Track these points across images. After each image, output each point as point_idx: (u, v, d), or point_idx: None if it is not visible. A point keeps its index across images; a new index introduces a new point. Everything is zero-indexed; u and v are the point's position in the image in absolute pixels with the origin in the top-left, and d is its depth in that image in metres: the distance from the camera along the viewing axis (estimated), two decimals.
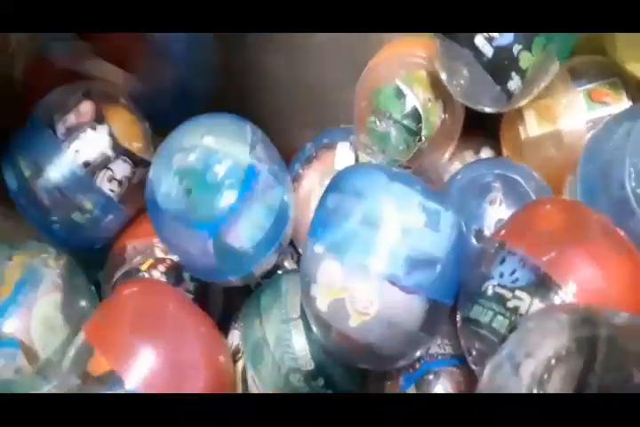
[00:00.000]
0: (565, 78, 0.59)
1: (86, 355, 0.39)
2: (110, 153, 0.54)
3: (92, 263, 0.53)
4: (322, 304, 0.42)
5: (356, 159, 0.59)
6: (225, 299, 0.57)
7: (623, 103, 0.58)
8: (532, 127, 0.60)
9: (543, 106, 0.60)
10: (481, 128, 0.66)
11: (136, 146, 0.56)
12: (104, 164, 0.53)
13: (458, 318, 0.44)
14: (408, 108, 0.59)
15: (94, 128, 0.53)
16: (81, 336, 0.40)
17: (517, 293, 0.40)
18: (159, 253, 0.53)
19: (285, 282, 0.51)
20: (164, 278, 0.52)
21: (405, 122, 0.59)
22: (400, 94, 0.59)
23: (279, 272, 0.60)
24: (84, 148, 0.53)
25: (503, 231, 0.44)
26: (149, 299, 0.42)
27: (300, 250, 0.59)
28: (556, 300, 0.39)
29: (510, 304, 0.40)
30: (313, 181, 0.58)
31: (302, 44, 0.72)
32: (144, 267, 0.52)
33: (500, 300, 0.40)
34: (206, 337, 0.43)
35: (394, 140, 0.60)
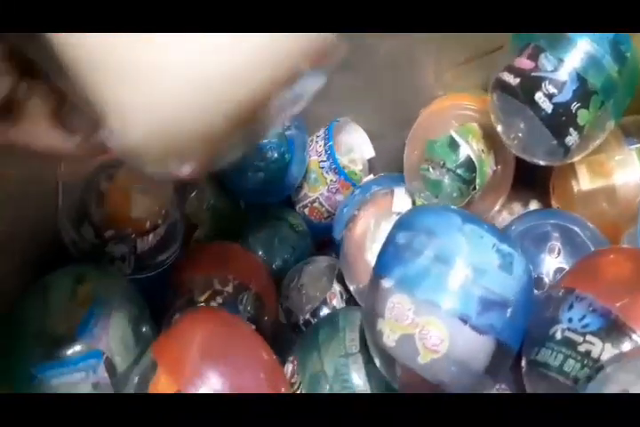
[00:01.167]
0: (618, 136, 0.61)
1: (152, 375, 0.38)
2: None
3: (151, 292, 0.53)
4: (389, 339, 0.42)
5: (413, 203, 0.60)
6: (273, 333, 0.57)
7: None
8: (584, 182, 0.61)
9: (596, 162, 0.61)
10: (530, 181, 0.68)
11: None
12: None
13: (523, 362, 0.44)
14: (462, 157, 0.61)
15: None
16: (148, 357, 0.40)
17: (588, 337, 0.40)
18: (217, 285, 0.53)
19: (343, 318, 0.50)
20: None
21: (459, 171, 0.61)
22: (454, 144, 0.61)
23: (327, 311, 0.60)
24: None
25: (569, 278, 0.45)
26: (218, 326, 0.42)
27: (352, 288, 0.59)
28: (630, 345, 0.39)
29: (581, 348, 0.40)
30: (368, 224, 0.59)
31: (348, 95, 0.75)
32: (202, 298, 0.52)
33: (571, 344, 0.40)
34: (269, 367, 0.42)
35: (447, 187, 0.61)
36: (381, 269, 0.44)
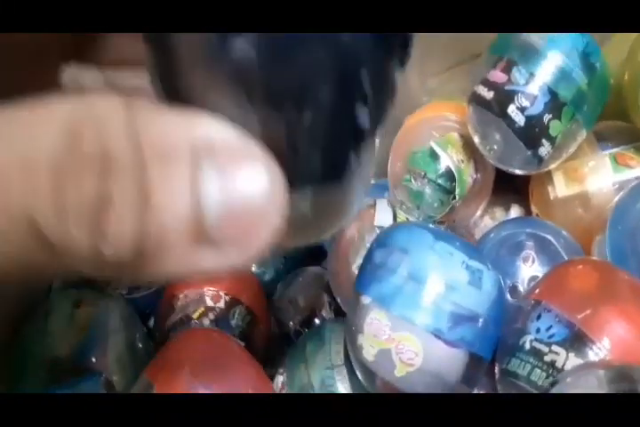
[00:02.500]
0: (592, 142, 0.63)
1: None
2: None
3: (148, 310, 0.56)
4: (368, 354, 0.44)
5: (394, 215, 0.63)
6: (265, 345, 0.60)
7: None
8: (560, 188, 0.64)
9: (571, 168, 0.63)
10: (511, 186, 0.70)
11: None
12: None
13: (496, 370, 0.46)
14: (442, 168, 0.63)
15: None
16: (144, 377, 0.43)
17: (554, 347, 0.43)
18: (209, 302, 0.56)
19: (329, 331, 0.53)
20: (213, 325, 0.55)
21: (440, 181, 0.63)
22: (435, 156, 0.64)
23: (317, 321, 0.63)
24: None
25: (538, 289, 0.47)
26: (208, 347, 0.45)
27: (339, 300, 0.62)
28: (591, 355, 0.41)
29: (547, 358, 0.42)
30: (352, 237, 0.62)
31: None
32: (195, 315, 0.55)
33: (537, 354, 0.43)
34: (258, 384, 0.45)
35: (428, 197, 0.63)
36: (360, 286, 0.47)
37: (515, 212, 0.70)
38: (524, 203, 0.69)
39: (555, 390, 0.37)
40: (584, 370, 0.38)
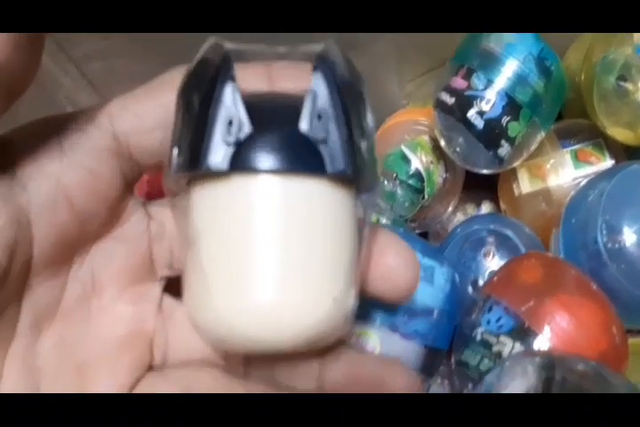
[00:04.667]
0: (554, 140, 0.67)
1: None
2: None
3: None
4: None
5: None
6: None
7: (606, 162, 0.65)
8: (524, 185, 0.67)
9: (534, 165, 0.67)
10: (482, 184, 0.74)
11: None
12: None
13: (452, 360, 0.51)
14: (412, 170, 0.67)
15: None
16: None
17: (501, 338, 0.47)
18: None
19: None
20: None
21: (410, 182, 0.67)
22: (405, 158, 0.67)
23: None
24: None
25: (491, 283, 0.51)
26: None
27: None
28: (535, 344, 0.45)
29: (495, 349, 0.46)
30: None
31: None
32: None
33: (487, 344, 0.47)
34: None
35: (400, 198, 0.67)
36: None
37: (486, 208, 0.73)
38: (495, 199, 0.73)
39: (490, 375, 0.41)
40: (523, 357, 0.42)
